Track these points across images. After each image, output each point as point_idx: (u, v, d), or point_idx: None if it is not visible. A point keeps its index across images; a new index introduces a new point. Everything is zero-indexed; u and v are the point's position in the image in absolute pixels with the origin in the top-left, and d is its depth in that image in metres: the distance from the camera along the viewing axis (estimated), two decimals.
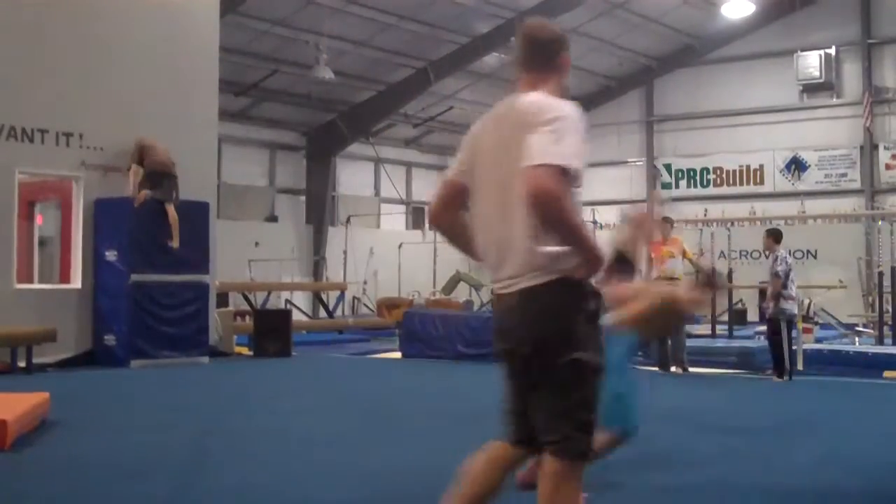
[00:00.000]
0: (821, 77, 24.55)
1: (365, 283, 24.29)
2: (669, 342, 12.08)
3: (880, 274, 16.50)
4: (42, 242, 13.89)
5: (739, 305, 20.17)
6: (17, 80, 12.15)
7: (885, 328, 15.57)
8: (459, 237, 3.63)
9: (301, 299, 22.75)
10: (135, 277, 12.53)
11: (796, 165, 25.37)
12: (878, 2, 24.27)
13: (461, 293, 23.48)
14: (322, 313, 21.92)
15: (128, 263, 12.56)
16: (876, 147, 24.36)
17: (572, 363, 3.24)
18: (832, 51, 24.57)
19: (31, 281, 12.99)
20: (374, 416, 8.51)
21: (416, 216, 28.24)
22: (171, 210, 12.76)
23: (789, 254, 11.92)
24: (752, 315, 19.76)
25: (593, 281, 3.32)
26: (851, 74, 24.75)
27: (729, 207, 24.74)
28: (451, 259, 23.17)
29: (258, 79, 21.85)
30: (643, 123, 27.58)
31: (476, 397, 10.15)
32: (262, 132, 24.15)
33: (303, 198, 25.01)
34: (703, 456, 6.67)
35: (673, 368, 12.01)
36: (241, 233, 21.70)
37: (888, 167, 24.25)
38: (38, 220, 13.89)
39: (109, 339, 12.62)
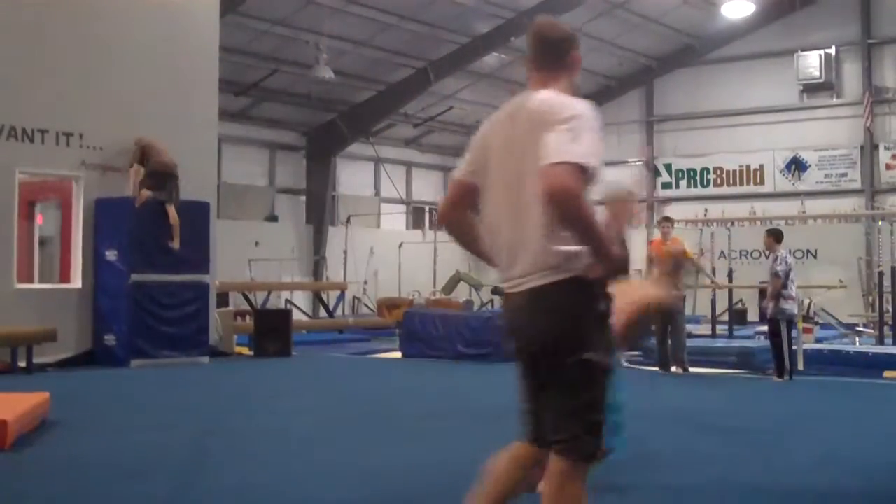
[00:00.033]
0: (821, 77, 24.55)
1: (365, 282, 24.29)
2: (670, 342, 12.09)
3: (880, 274, 16.50)
4: (42, 242, 13.89)
5: (740, 305, 20.16)
6: (17, 80, 12.15)
7: (886, 328, 15.58)
8: (468, 238, 3.62)
9: (301, 299, 22.76)
10: (135, 277, 12.53)
11: (796, 165, 25.37)
12: (878, 2, 24.27)
13: (461, 293, 23.48)
14: (322, 313, 21.92)
15: (128, 263, 12.57)
16: (876, 147, 24.36)
17: (581, 363, 3.23)
18: (832, 51, 24.56)
19: (31, 281, 13.00)
20: (374, 416, 8.51)
21: (416, 216, 28.23)
22: (171, 211, 12.76)
23: (790, 254, 11.92)
24: (753, 315, 19.76)
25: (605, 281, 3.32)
26: (851, 74, 24.75)
27: (729, 207, 24.73)
28: (452, 259, 23.20)
29: (258, 79, 21.85)
30: (643, 123, 27.58)
31: (476, 397, 10.18)
32: (262, 132, 24.14)
33: (303, 197, 25.00)
34: (703, 456, 6.67)
35: (673, 368, 12.01)
36: (242, 233, 21.69)
37: (888, 167, 24.25)
38: (39, 219, 13.90)
39: (109, 339, 12.62)
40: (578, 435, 3.26)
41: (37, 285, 12.98)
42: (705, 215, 23.97)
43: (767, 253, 12.23)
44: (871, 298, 19.48)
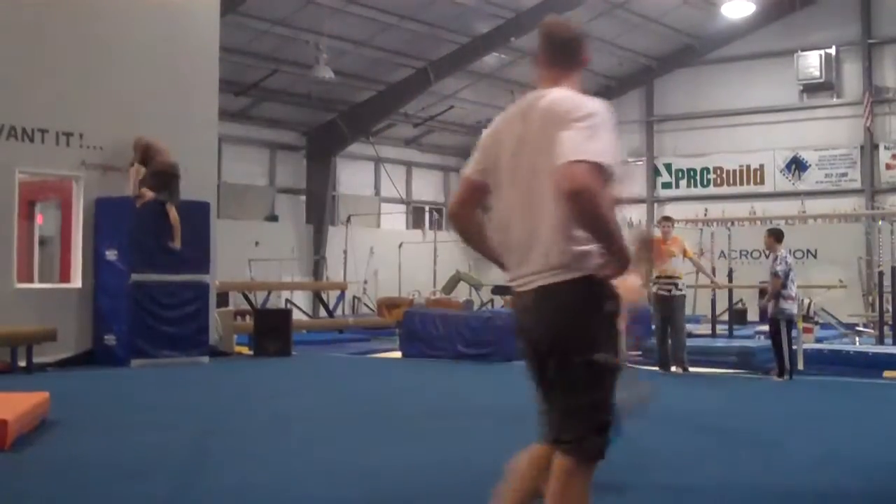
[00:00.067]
0: (821, 77, 24.54)
1: (365, 282, 24.29)
2: (670, 342, 12.09)
3: (880, 274, 16.50)
4: (42, 242, 13.89)
5: (740, 305, 20.16)
6: (17, 80, 12.15)
7: (886, 328, 15.58)
8: (477, 238, 3.60)
9: (301, 299, 22.76)
10: (135, 277, 12.53)
11: (796, 165, 25.37)
12: (879, 2, 24.26)
13: (461, 293, 23.49)
14: (322, 313, 21.92)
15: (128, 263, 12.57)
16: (876, 147, 24.36)
17: (588, 364, 3.23)
18: (832, 51, 24.56)
19: (31, 280, 12.99)
20: (374, 416, 8.51)
21: (416, 216, 28.24)
22: (172, 211, 12.76)
23: (790, 253, 11.92)
24: (753, 315, 19.76)
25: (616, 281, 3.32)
26: (852, 74, 24.74)
27: (729, 207, 24.73)
28: (451, 259, 23.22)
29: (258, 78, 21.84)
30: (643, 123, 27.58)
31: (476, 397, 10.19)
32: (262, 132, 24.14)
33: (303, 197, 25.00)
34: (703, 456, 6.68)
35: (673, 368, 12.01)
36: (242, 232, 21.68)
37: (888, 167, 24.24)
38: (39, 219, 13.89)
39: (109, 339, 12.62)
40: (584, 435, 3.26)
41: (37, 285, 12.98)
42: (705, 215, 23.98)
43: (767, 253, 12.24)
44: (871, 298, 19.47)
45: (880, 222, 19.36)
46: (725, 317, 17.07)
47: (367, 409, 8.99)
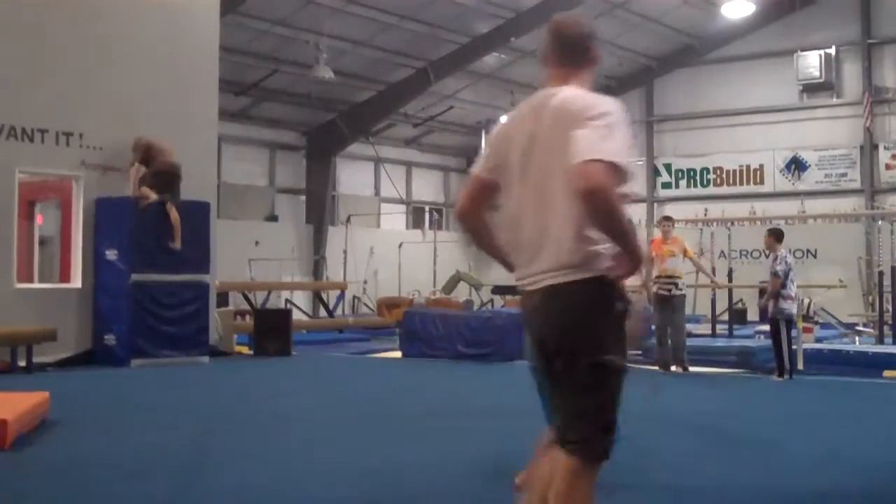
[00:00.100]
0: (821, 77, 24.54)
1: (365, 282, 24.29)
2: (670, 341, 12.10)
3: (880, 273, 16.51)
4: (42, 242, 13.88)
5: (740, 305, 20.16)
6: (17, 80, 12.15)
7: (886, 328, 15.59)
8: (485, 238, 3.57)
9: (301, 299, 22.75)
10: (135, 277, 12.53)
11: (796, 165, 25.37)
12: (878, 2, 24.26)
13: (461, 293, 23.48)
14: (322, 313, 21.91)
15: (128, 263, 12.56)
16: (876, 147, 24.35)
17: (595, 365, 3.22)
18: (832, 51, 24.55)
19: (31, 280, 12.99)
20: (374, 416, 8.52)
21: (416, 216, 28.24)
22: (173, 211, 12.76)
23: (790, 253, 11.92)
24: (753, 314, 19.76)
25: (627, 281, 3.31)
26: (851, 74, 24.74)
27: (729, 207, 24.72)
28: (451, 259, 23.22)
29: (258, 78, 21.84)
30: (643, 123, 27.57)
31: (476, 397, 10.19)
32: (262, 132, 24.14)
33: (303, 197, 25.00)
34: (703, 455, 6.68)
35: (673, 368, 12.01)
36: (242, 232, 21.69)
37: (888, 167, 24.24)
38: (39, 219, 13.89)
39: (109, 339, 12.62)
40: (590, 436, 3.25)
41: (37, 285, 12.98)
42: (705, 215, 23.98)
43: (767, 252, 12.24)
44: (870, 298, 19.48)
45: (880, 222, 19.37)
46: (725, 316, 17.08)
47: (367, 409, 8.99)
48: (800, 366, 11.60)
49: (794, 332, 11.35)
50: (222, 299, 17.17)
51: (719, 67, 26.14)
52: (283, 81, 22.47)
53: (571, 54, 3.49)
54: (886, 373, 11.60)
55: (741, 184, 26.16)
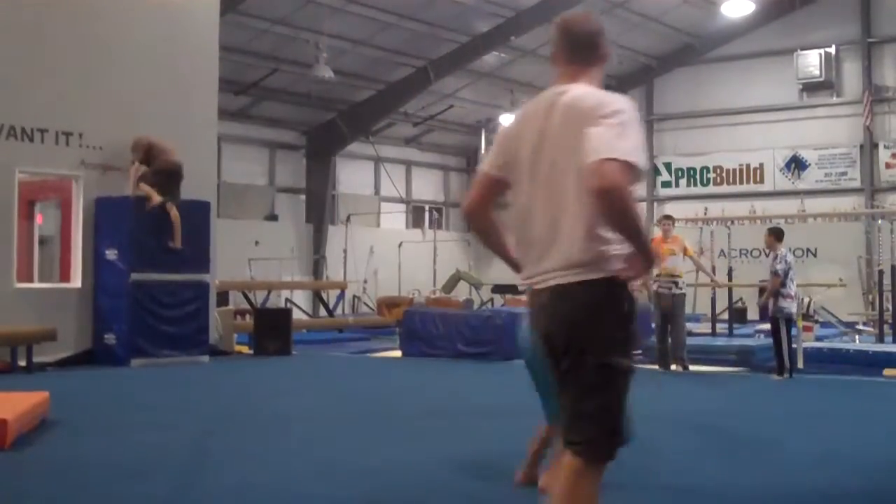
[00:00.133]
0: (821, 76, 24.54)
1: (365, 281, 24.29)
2: (669, 340, 12.10)
3: (880, 272, 16.51)
4: (42, 241, 13.88)
5: (739, 304, 20.17)
6: (17, 79, 12.14)
7: (886, 326, 15.59)
8: (493, 237, 3.54)
9: (301, 298, 22.76)
10: (135, 276, 12.53)
11: (796, 164, 25.37)
12: (878, 1, 24.26)
13: (461, 292, 23.48)
14: (322, 312, 21.92)
15: (128, 262, 12.56)
16: (876, 146, 24.36)
17: (602, 366, 3.21)
18: (832, 50, 24.56)
19: (31, 280, 12.99)
20: (374, 415, 8.52)
21: (416, 215, 28.23)
22: (174, 211, 12.76)
23: (790, 252, 11.92)
24: (752, 313, 19.77)
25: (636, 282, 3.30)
26: (851, 73, 24.74)
27: (729, 206, 24.72)
28: (451, 258, 23.23)
29: (258, 78, 21.85)
30: (643, 122, 27.47)
31: (476, 396, 10.19)
32: (261, 131, 24.14)
33: (303, 197, 25.00)
34: (703, 454, 6.68)
35: (673, 367, 12.02)
36: (241, 232, 21.69)
37: (888, 166, 24.25)
38: (39, 219, 13.89)
39: (109, 338, 12.62)
40: (594, 438, 3.23)
41: (37, 285, 12.97)
42: (705, 214, 23.98)
43: (768, 251, 12.24)
44: (870, 297, 19.48)
45: (880, 221, 19.35)
46: (725, 315, 17.08)
47: (367, 408, 8.99)
48: (800, 364, 11.60)
49: (794, 331, 11.35)
50: (222, 299, 17.18)
51: (719, 66, 26.14)
52: (283, 81, 22.46)
53: (581, 52, 3.48)
54: (886, 371, 11.60)
55: (741, 183, 26.16)
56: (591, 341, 3.21)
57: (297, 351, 14.68)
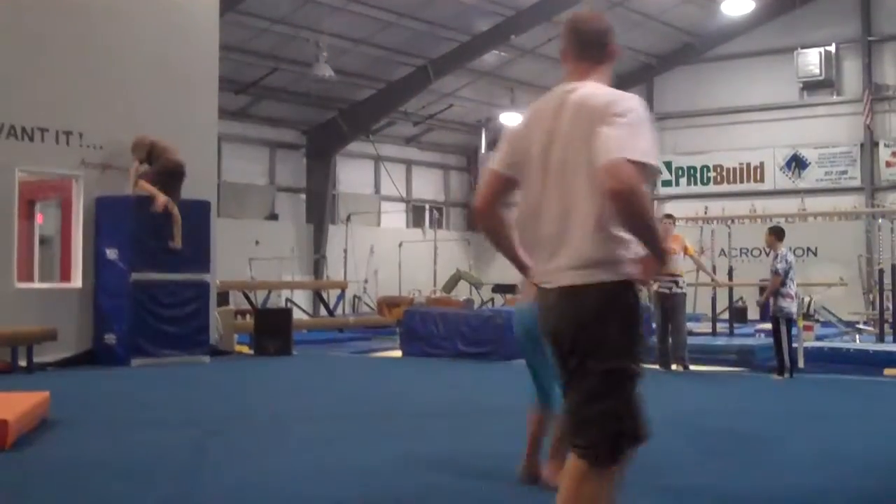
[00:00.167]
0: (821, 74, 24.53)
1: (365, 281, 24.28)
2: (670, 340, 12.10)
3: (881, 271, 16.49)
4: (42, 241, 13.88)
5: (740, 303, 20.17)
6: (17, 79, 12.15)
7: (886, 326, 15.58)
8: (502, 237, 3.52)
9: (301, 298, 22.75)
10: (135, 276, 12.53)
11: (796, 163, 25.36)
12: None
13: (462, 291, 23.48)
14: (322, 312, 21.92)
15: (128, 262, 12.56)
16: (876, 144, 24.35)
17: (608, 371, 3.19)
18: (832, 48, 24.55)
19: (31, 280, 12.98)
20: (375, 415, 8.52)
21: (416, 214, 28.23)
22: (175, 210, 12.76)
23: (790, 251, 11.91)
24: (753, 313, 19.76)
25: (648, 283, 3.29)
26: (852, 72, 24.73)
27: (729, 205, 24.70)
28: (452, 257, 23.22)
29: (258, 77, 21.84)
30: None
31: (476, 395, 10.18)
32: (262, 130, 24.13)
33: (303, 196, 24.99)
34: (704, 455, 6.68)
35: (673, 366, 12.02)
36: (242, 231, 21.69)
37: (888, 164, 24.23)
38: (39, 218, 13.88)
39: (110, 338, 12.62)
40: (598, 442, 3.22)
41: (37, 285, 12.97)
42: (705, 213, 23.97)
43: (768, 250, 12.24)
44: (871, 296, 19.46)
45: (880, 220, 19.33)
46: (726, 315, 17.07)
47: (367, 408, 8.99)
48: (800, 364, 11.60)
49: (794, 331, 11.35)
50: (222, 298, 17.17)
51: (719, 65, 26.13)
52: (283, 80, 22.46)
53: (590, 50, 3.47)
54: (887, 371, 11.60)
55: (741, 182, 26.15)
56: (599, 345, 3.20)
57: (297, 351, 14.68)
